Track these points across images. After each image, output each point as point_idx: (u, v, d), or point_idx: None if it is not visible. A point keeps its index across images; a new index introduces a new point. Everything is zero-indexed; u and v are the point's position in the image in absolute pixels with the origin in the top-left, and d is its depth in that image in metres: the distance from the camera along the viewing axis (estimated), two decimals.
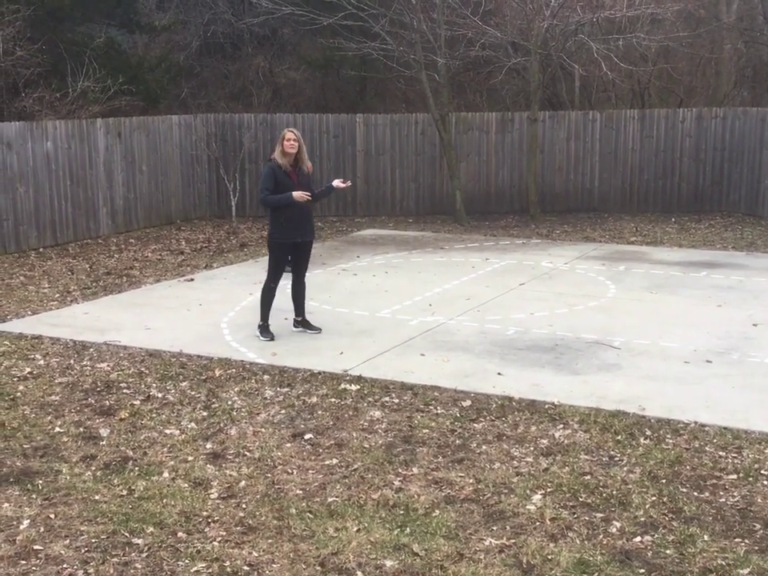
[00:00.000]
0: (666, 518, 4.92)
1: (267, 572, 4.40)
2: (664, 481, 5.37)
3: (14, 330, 8.79)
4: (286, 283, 8.73)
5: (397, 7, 15.55)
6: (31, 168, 13.27)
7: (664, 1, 16.64)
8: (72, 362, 7.81)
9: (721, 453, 5.77)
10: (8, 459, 5.74)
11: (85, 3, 16.76)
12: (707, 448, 5.85)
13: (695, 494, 5.21)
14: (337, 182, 8.48)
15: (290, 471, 5.54)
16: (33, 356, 7.98)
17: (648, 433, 6.10)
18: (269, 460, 5.71)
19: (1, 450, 5.89)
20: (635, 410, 6.51)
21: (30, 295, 10.43)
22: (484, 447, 5.90)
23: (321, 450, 5.86)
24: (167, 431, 6.21)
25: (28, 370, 7.58)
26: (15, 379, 7.35)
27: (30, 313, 9.58)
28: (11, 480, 5.43)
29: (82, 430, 6.25)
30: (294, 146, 8.21)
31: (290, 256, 8.59)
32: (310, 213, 8.52)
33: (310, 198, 8.21)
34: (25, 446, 5.95)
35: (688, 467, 5.56)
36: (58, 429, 6.27)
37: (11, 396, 6.94)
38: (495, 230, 15.20)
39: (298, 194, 8.11)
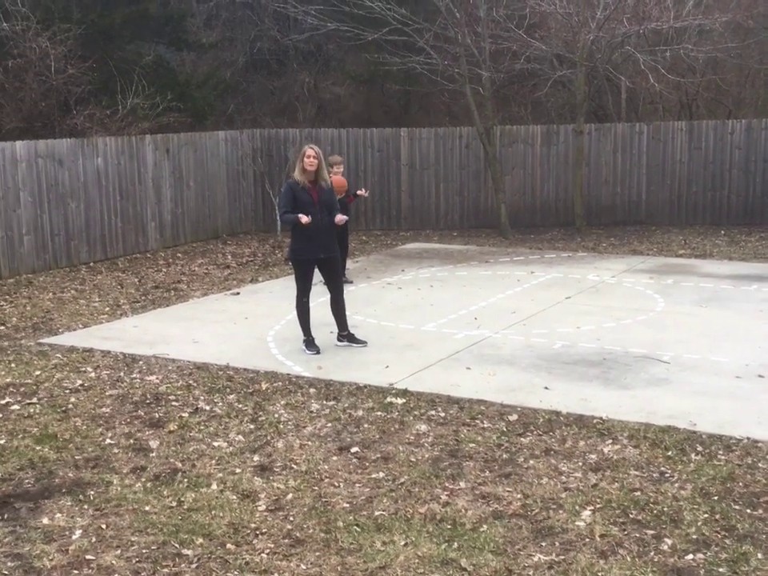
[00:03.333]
0: (719, 536, 4.83)
1: None
2: (716, 498, 5.28)
3: (65, 343, 8.95)
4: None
5: (441, 22, 15.61)
6: (82, 184, 13.55)
7: (712, 12, 16.46)
8: (122, 374, 7.93)
9: None
10: (60, 470, 5.84)
11: (134, 22, 17.09)
12: (760, 464, 5.74)
13: (748, 511, 5.11)
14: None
15: (336, 484, 5.56)
16: (84, 368, 8.12)
17: (699, 449, 6.01)
18: (315, 473, 5.73)
19: (53, 462, 5.99)
20: (686, 425, 6.41)
21: (81, 309, 10.62)
22: (531, 462, 5.85)
23: (367, 464, 5.87)
24: (215, 443, 6.27)
25: (79, 382, 7.71)
26: (67, 391, 7.48)
27: (81, 326, 9.75)
28: (64, 491, 5.53)
29: (132, 441, 6.34)
30: (314, 163, 8.10)
31: (315, 270, 8.50)
32: (332, 228, 8.36)
33: (309, 222, 8.00)
34: (77, 458, 6.05)
35: (741, 484, 5.46)
36: (108, 440, 6.36)
37: (63, 408, 7.06)
38: (540, 244, 15.12)
39: (304, 220, 7.97)
